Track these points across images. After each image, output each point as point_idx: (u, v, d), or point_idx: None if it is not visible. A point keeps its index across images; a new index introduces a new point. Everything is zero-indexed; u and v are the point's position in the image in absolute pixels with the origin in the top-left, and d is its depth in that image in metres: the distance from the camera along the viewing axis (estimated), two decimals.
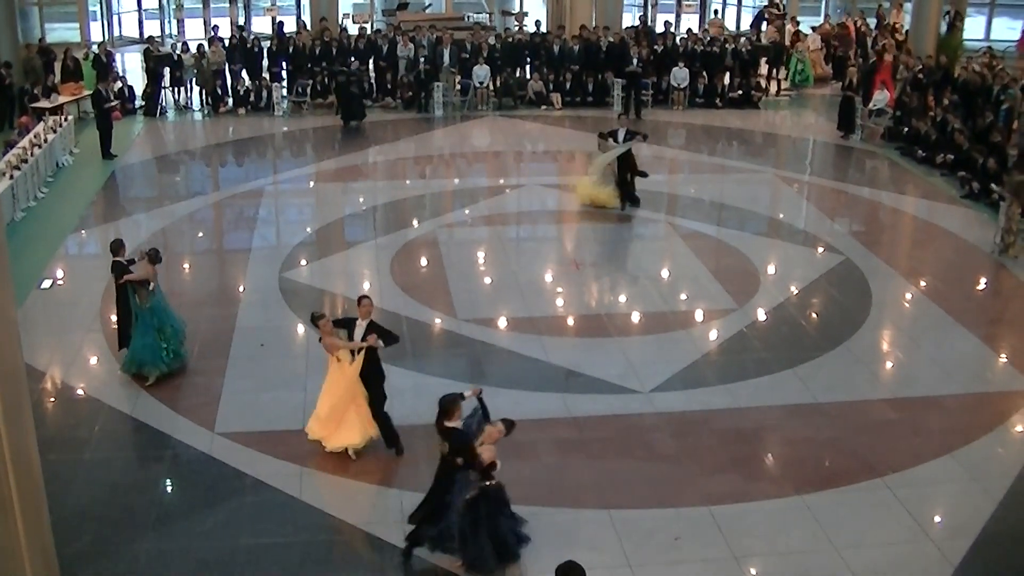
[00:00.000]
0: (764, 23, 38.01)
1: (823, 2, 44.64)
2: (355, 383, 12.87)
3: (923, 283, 19.08)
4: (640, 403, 14.46)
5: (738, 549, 11.46)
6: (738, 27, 42.87)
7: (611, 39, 33.03)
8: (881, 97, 29.88)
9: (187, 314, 16.86)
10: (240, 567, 11.10)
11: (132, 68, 35.09)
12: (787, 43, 36.23)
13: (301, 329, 16.77)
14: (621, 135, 22.63)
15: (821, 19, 40.99)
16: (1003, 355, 16.35)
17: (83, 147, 26.95)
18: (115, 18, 40.99)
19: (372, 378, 13.08)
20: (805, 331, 17.22)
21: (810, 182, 25.75)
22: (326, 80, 31.09)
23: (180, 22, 40.67)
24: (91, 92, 28.14)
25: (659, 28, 36.96)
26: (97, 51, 31.60)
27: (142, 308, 14.84)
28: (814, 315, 17.92)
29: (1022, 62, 32.12)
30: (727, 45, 33.87)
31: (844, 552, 11.41)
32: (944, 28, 35.85)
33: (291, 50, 32.45)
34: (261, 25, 40.18)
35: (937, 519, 12.25)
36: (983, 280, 19.59)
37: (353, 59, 32.13)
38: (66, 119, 26.84)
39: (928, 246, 21.60)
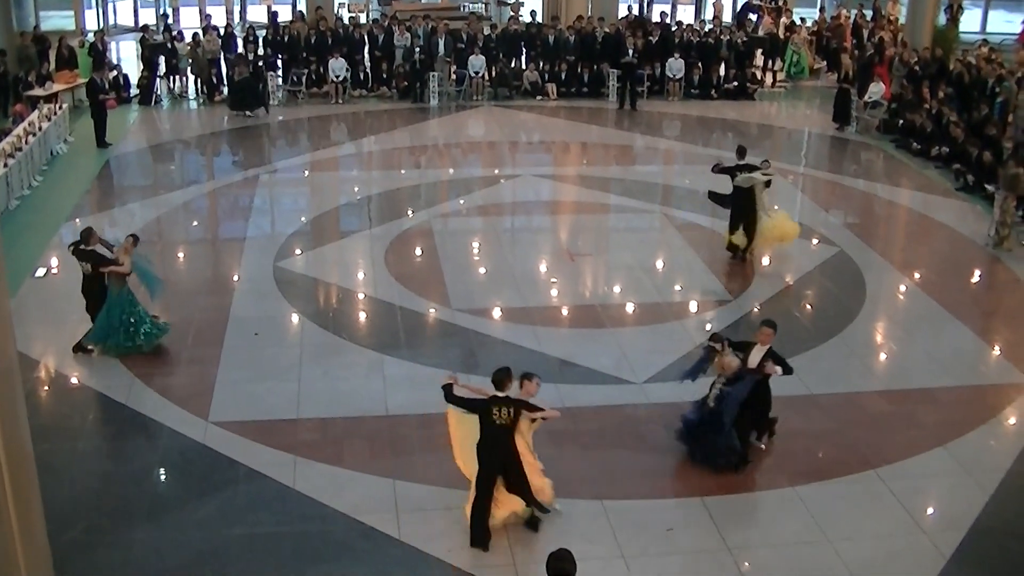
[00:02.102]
0: (752, 15, 37.90)
1: None
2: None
3: (917, 275, 19.10)
4: (634, 394, 14.48)
5: (731, 540, 11.46)
6: (734, 18, 42.82)
7: (607, 30, 33.02)
8: (876, 89, 29.90)
9: (181, 303, 16.98)
10: (234, 557, 11.10)
11: (127, 57, 35.02)
12: (781, 35, 36.21)
13: (295, 319, 16.77)
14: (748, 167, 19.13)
15: (816, 11, 40.99)
16: (997, 348, 16.37)
17: (78, 135, 26.92)
18: (110, 6, 40.90)
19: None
20: (799, 323, 17.23)
21: (805, 174, 25.75)
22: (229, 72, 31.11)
23: (176, 11, 40.58)
24: (86, 81, 28.12)
25: (656, 19, 36.83)
26: (93, 39, 31.56)
27: (116, 293, 15.14)
28: (808, 307, 17.95)
29: (1017, 55, 32.06)
30: (723, 36, 33.86)
31: (837, 544, 11.43)
32: (945, 20, 35.91)
33: (286, 40, 32.43)
34: (256, 14, 40.12)
35: (930, 511, 12.28)
36: (977, 273, 19.62)
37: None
38: (61, 107, 26.81)
39: (923, 239, 21.62)
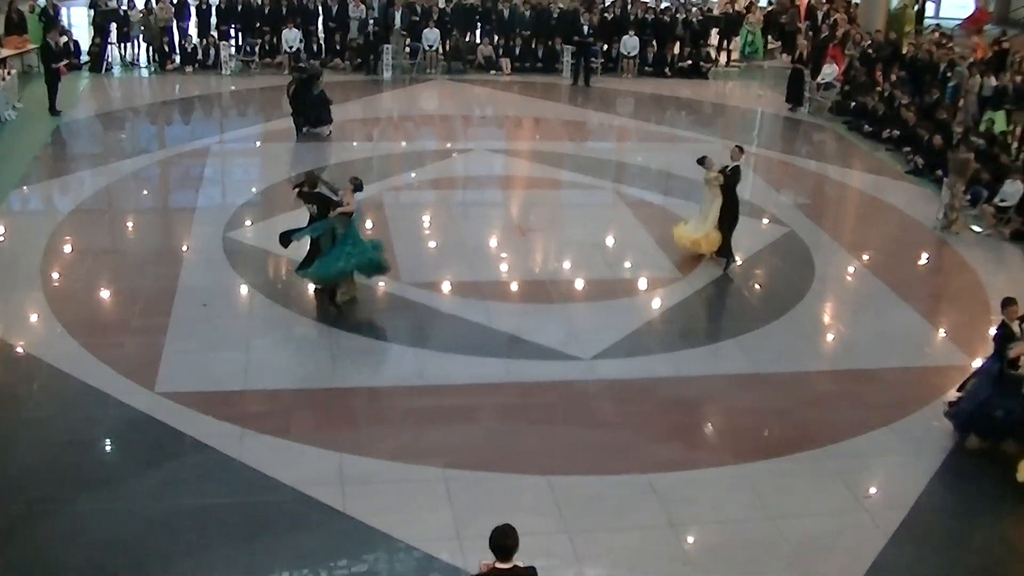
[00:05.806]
0: None
1: None
2: None
3: (866, 257, 19.25)
4: (582, 370, 14.50)
5: (676, 517, 11.51)
6: None
7: (562, 6, 33.00)
8: (830, 71, 30.09)
9: (129, 273, 16.88)
10: (184, 528, 10.99)
11: (79, 23, 34.57)
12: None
13: (244, 290, 16.68)
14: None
15: None
16: (942, 330, 16.54)
17: (27, 102, 26.58)
18: None
19: None
20: (748, 302, 17.35)
21: (757, 154, 25.84)
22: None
23: None
24: (38, 46, 27.78)
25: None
26: (44, 4, 31.16)
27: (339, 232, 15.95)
28: (757, 286, 18.05)
29: (968, 40, 32.40)
30: (678, 15, 33.94)
31: (780, 521, 11.52)
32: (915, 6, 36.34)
33: (240, 9, 32.16)
34: None
35: (873, 490, 12.38)
36: (925, 255, 19.81)
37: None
38: (9, 73, 26.46)
39: (872, 220, 21.79)
